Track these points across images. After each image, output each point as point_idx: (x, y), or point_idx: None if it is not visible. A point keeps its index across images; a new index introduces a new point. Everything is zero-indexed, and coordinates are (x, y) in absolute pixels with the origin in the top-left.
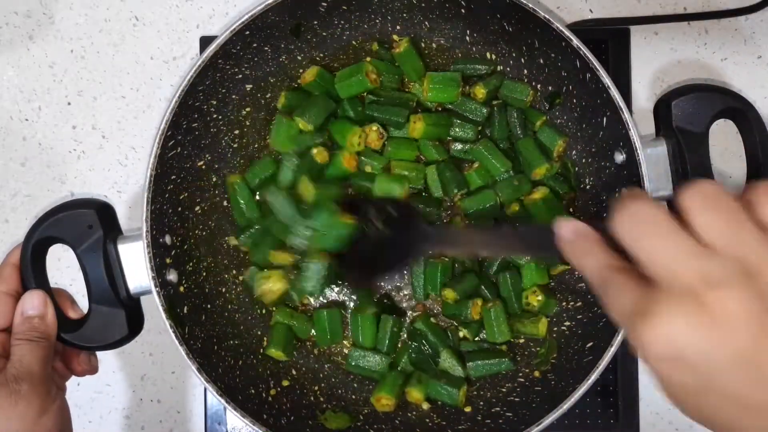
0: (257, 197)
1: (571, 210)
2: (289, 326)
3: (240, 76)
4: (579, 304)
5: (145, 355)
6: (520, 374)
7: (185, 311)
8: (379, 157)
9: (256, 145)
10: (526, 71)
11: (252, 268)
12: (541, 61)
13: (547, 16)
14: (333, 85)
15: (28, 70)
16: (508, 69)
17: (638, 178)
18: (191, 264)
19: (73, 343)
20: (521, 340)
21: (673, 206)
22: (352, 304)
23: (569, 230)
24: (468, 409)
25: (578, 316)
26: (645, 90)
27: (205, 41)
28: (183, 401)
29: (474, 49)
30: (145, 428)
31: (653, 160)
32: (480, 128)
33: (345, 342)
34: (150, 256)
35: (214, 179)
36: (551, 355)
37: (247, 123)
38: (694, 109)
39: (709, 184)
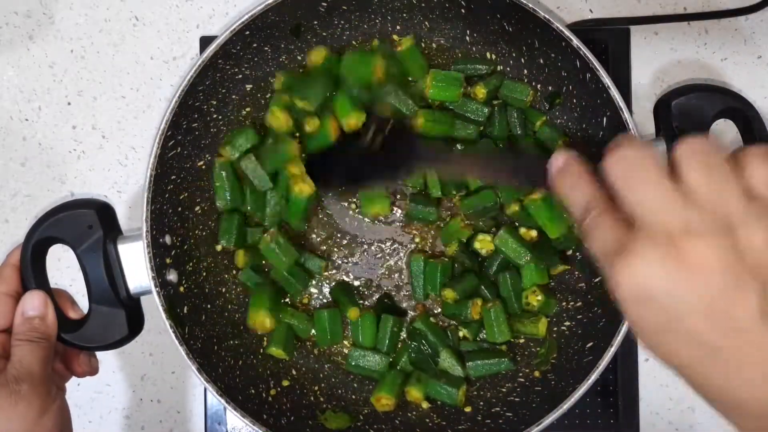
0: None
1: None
2: (289, 325)
3: (240, 76)
4: (579, 304)
5: (145, 355)
6: (520, 374)
7: (185, 311)
8: None
9: None
10: (526, 71)
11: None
12: (541, 61)
13: (547, 16)
14: (338, 68)
15: (28, 70)
16: (508, 69)
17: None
18: (191, 264)
19: (74, 344)
20: (521, 340)
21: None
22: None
23: (562, 160)
24: (468, 409)
25: (578, 316)
26: (645, 90)
27: (205, 41)
28: (183, 401)
29: (474, 49)
30: (145, 428)
31: None
32: (481, 128)
33: (345, 342)
34: (150, 256)
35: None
36: (551, 355)
37: (247, 123)
38: (694, 110)
39: (704, 140)
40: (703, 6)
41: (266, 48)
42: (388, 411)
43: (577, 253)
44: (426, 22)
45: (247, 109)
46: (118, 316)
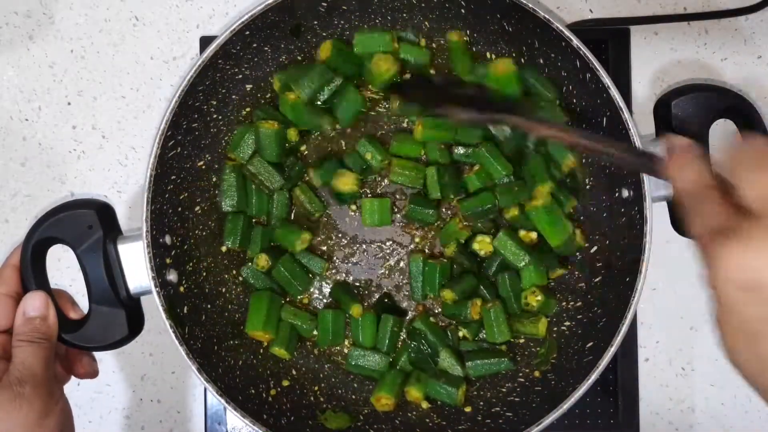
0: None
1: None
2: (292, 325)
3: (240, 76)
4: (579, 304)
5: (145, 355)
6: (520, 374)
7: (185, 311)
8: (383, 152)
9: None
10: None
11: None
12: (541, 61)
13: (547, 16)
14: (349, 57)
15: (28, 70)
16: None
17: (638, 179)
18: (191, 264)
19: (74, 344)
20: (521, 340)
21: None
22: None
23: (678, 142)
24: (468, 409)
25: (578, 316)
26: (645, 90)
27: (205, 41)
28: (183, 401)
29: (474, 49)
30: (145, 428)
31: None
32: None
33: (345, 342)
34: (150, 256)
35: (214, 179)
36: (551, 355)
37: (247, 123)
38: (694, 109)
39: None
40: (703, 6)
41: (266, 48)
42: (388, 411)
43: (577, 254)
44: (426, 22)
45: (247, 109)
46: (118, 316)
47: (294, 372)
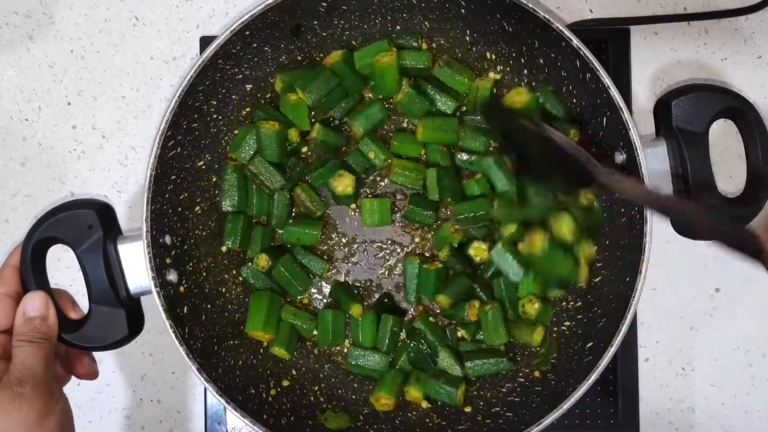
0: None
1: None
2: (292, 325)
3: (240, 76)
4: (579, 304)
5: (145, 355)
6: (520, 374)
7: (185, 311)
8: (385, 150)
9: None
10: (526, 71)
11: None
12: (541, 61)
13: (547, 16)
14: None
15: (28, 70)
16: (508, 69)
17: (638, 179)
18: (191, 264)
19: (74, 344)
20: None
21: None
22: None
23: None
24: (468, 409)
25: (578, 316)
26: (645, 90)
27: (205, 41)
28: (183, 401)
29: (474, 49)
30: (145, 428)
31: (653, 160)
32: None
33: (345, 342)
34: (150, 256)
35: (214, 179)
36: (551, 355)
37: (248, 123)
38: (694, 109)
39: None
40: (703, 6)
41: (266, 48)
42: (388, 411)
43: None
44: (426, 22)
45: (247, 109)
46: (118, 316)
47: (294, 372)
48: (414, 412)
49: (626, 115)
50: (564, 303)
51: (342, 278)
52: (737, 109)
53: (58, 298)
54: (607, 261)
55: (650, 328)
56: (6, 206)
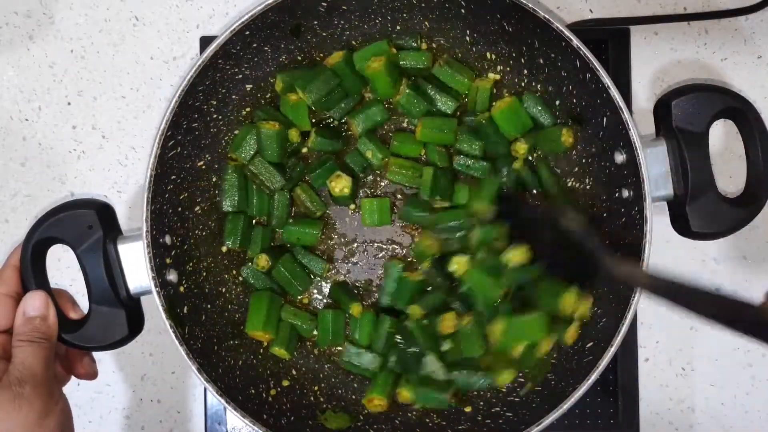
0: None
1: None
2: (292, 325)
3: (240, 76)
4: None
5: (145, 355)
6: (520, 374)
7: (185, 311)
8: (383, 149)
9: None
10: (526, 71)
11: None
12: (541, 61)
13: (547, 16)
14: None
15: (28, 70)
16: (508, 69)
17: (638, 179)
18: (191, 264)
19: (74, 344)
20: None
21: None
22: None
23: None
24: (468, 409)
25: None
26: (645, 90)
27: (205, 41)
28: (183, 401)
29: (474, 49)
30: (145, 428)
31: (653, 160)
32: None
33: (345, 342)
34: (150, 256)
35: (214, 179)
36: (541, 376)
37: (248, 123)
38: (694, 109)
39: None
40: (703, 6)
41: (266, 48)
42: (387, 411)
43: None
44: (426, 22)
45: (247, 109)
46: (118, 316)
47: (294, 372)
48: (414, 412)
49: (626, 115)
50: None
51: (342, 278)
52: (737, 109)
53: (58, 298)
54: None
55: (650, 328)
56: (6, 206)
